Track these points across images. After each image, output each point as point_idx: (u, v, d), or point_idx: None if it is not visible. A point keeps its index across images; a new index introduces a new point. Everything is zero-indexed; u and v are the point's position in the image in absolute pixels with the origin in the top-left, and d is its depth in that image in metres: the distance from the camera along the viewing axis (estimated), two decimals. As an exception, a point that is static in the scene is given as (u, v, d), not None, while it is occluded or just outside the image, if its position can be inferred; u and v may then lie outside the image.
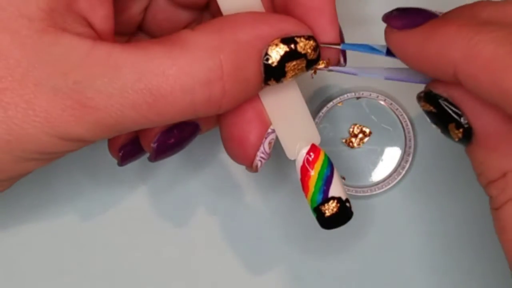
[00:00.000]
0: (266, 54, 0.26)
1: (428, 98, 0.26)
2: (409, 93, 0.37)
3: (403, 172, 0.36)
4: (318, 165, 0.28)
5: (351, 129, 0.36)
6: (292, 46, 0.26)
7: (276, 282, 0.36)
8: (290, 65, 0.26)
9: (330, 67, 0.28)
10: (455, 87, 0.25)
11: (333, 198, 0.28)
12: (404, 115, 0.36)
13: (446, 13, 0.26)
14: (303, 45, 0.26)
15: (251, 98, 0.28)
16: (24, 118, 0.24)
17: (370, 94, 0.36)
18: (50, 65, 0.24)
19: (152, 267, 0.36)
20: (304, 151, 0.29)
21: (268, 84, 0.26)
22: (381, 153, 0.36)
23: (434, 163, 0.37)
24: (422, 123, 0.36)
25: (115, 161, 0.37)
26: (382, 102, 0.36)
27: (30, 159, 0.26)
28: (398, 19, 0.26)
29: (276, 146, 0.29)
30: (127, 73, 0.24)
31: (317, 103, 0.37)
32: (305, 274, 0.36)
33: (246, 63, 0.26)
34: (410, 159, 0.36)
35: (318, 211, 0.28)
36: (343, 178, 0.35)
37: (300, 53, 0.26)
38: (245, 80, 0.26)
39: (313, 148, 0.29)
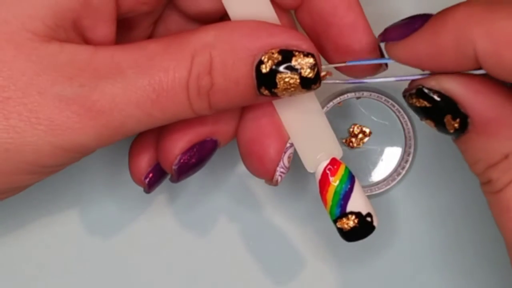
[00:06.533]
0: (261, 60, 0.26)
1: (420, 94, 0.26)
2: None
3: (403, 172, 0.36)
4: (337, 179, 0.28)
5: (351, 129, 0.36)
6: (287, 58, 0.26)
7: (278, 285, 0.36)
8: (282, 76, 0.26)
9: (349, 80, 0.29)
10: (448, 79, 0.25)
11: (351, 213, 0.28)
12: (404, 115, 0.36)
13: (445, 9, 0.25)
14: (299, 60, 0.26)
15: (264, 110, 0.29)
16: (27, 127, 0.24)
17: (370, 94, 0.36)
18: (54, 72, 0.25)
19: (153, 270, 0.36)
20: (324, 164, 0.28)
21: (262, 94, 0.26)
22: (381, 153, 0.36)
23: (434, 163, 0.37)
24: (422, 123, 0.36)
25: (113, 161, 0.37)
26: (382, 102, 0.36)
27: (27, 171, 0.26)
28: (394, 31, 0.26)
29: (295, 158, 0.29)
30: (130, 72, 0.25)
31: (317, 103, 0.37)
32: (306, 274, 0.36)
33: (236, 63, 0.26)
34: (410, 159, 0.36)
35: (337, 224, 0.28)
36: None
37: (293, 66, 0.26)
38: (235, 81, 0.26)
39: (333, 162, 0.28)
